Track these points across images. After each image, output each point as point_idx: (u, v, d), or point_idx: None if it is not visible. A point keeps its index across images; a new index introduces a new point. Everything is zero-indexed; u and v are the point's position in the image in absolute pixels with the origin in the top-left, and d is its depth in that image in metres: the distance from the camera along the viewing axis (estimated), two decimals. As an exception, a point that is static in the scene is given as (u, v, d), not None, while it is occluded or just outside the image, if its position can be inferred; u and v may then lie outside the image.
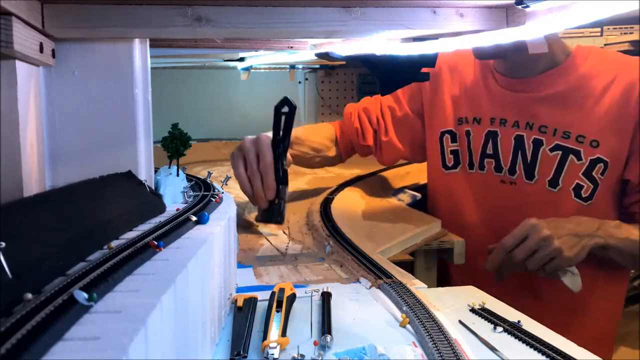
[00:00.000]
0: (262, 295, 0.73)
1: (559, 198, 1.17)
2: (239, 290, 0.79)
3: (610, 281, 1.23)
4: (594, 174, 1.13)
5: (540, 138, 1.17)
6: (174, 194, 0.76)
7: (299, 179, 1.71)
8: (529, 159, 1.19)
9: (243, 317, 0.67)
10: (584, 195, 1.15)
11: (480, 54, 1.19)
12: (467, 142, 1.28)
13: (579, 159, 1.14)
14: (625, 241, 1.05)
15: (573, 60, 1.17)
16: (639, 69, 1.12)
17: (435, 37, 0.85)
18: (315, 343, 0.61)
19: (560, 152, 1.15)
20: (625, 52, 1.78)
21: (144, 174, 0.74)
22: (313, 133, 1.43)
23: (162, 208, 0.70)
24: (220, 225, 0.64)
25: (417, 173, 1.66)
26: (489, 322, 0.69)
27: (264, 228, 1.18)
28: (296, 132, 1.30)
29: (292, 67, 2.31)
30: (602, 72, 1.15)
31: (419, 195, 1.45)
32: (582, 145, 1.13)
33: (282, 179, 1.03)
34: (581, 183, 1.14)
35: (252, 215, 1.15)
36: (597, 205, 1.15)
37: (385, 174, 1.66)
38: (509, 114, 1.21)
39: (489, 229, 1.25)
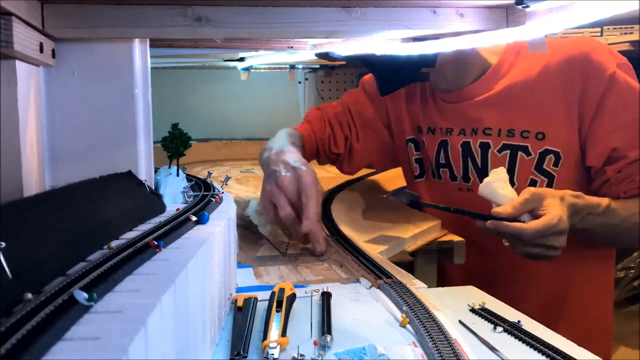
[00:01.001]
0: (262, 295, 0.73)
1: None
2: (239, 290, 0.79)
3: (595, 269, 1.21)
4: (545, 167, 1.11)
5: (487, 141, 1.16)
6: (174, 194, 0.76)
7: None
8: (479, 164, 1.18)
9: (243, 317, 0.67)
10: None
11: (384, 90, 1.22)
12: (425, 152, 1.28)
13: (528, 154, 1.12)
14: (600, 224, 1.02)
15: (504, 59, 1.16)
16: (569, 49, 1.09)
17: (435, 37, 0.85)
18: (315, 343, 0.61)
19: (508, 151, 1.14)
20: (625, 52, 1.78)
21: (144, 174, 0.74)
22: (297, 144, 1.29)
23: (162, 208, 0.70)
24: (220, 225, 0.64)
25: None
26: (489, 322, 0.69)
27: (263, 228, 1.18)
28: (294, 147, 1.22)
29: (292, 67, 2.31)
30: (534, 62, 1.13)
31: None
32: (527, 140, 1.12)
33: None
34: (535, 178, 1.12)
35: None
36: None
37: (384, 174, 1.66)
38: (454, 123, 1.21)
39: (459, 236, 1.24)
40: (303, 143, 1.30)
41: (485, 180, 0.97)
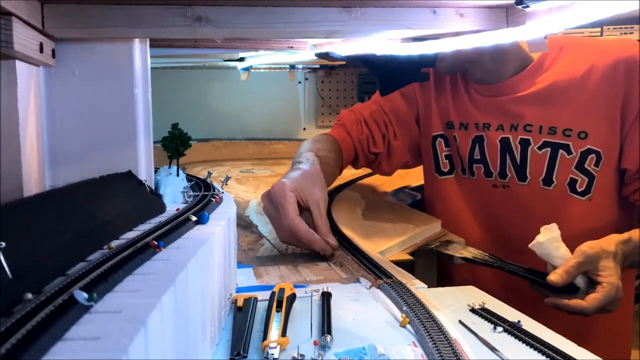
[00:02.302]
0: (262, 295, 0.73)
1: (555, 196, 1.15)
2: (239, 290, 0.79)
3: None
4: (586, 166, 1.11)
5: (527, 137, 1.15)
6: (174, 194, 0.76)
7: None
8: (518, 160, 1.17)
9: (243, 317, 0.67)
10: (579, 190, 1.13)
11: (446, 70, 1.19)
12: (456, 148, 1.26)
13: (569, 152, 1.12)
14: None
15: (546, 54, 1.14)
16: (617, 51, 1.10)
17: (435, 37, 0.85)
18: (315, 343, 0.61)
19: (549, 149, 1.13)
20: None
21: (144, 174, 0.74)
22: (323, 148, 1.27)
23: (162, 208, 0.70)
24: (220, 225, 0.64)
25: (417, 173, 1.66)
26: (489, 322, 0.69)
27: (263, 228, 1.18)
28: (312, 150, 1.23)
29: (292, 67, 2.31)
30: (579, 61, 1.12)
31: (419, 195, 1.45)
32: (570, 138, 1.11)
33: None
34: (575, 177, 1.12)
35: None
36: (597, 198, 1.13)
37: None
38: (492, 118, 1.20)
39: (487, 235, 1.24)
40: (337, 147, 1.28)
41: (538, 239, 0.94)
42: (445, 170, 1.30)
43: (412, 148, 1.36)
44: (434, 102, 1.29)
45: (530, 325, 0.68)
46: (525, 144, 1.16)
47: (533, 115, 1.14)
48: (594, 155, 1.10)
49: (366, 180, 1.58)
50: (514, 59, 1.16)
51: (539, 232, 0.95)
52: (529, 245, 0.95)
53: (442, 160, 1.30)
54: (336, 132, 1.33)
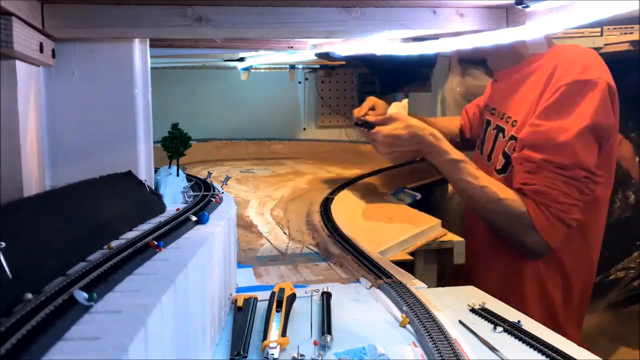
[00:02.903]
0: (262, 295, 0.73)
1: (490, 170, 1.31)
2: (239, 290, 0.79)
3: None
4: (506, 149, 1.27)
5: (489, 119, 1.37)
6: (174, 194, 0.76)
7: (298, 179, 1.71)
8: (484, 138, 1.38)
9: (243, 317, 0.67)
10: (498, 168, 1.30)
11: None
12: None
13: (504, 136, 1.30)
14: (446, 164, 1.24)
15: (540, 57, 1.27)
16: (556, 57, 1.22)
17: (435, 37, 0.85)
18: (315, 343, 0.61)
19: (495, 130, 1.33)
20: (625, 52, 1.78)
21: (144, 174, 0.74)
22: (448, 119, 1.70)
23: (162, 208, 0.70)
24: (220, 225, 0.64)
25: (417, 173, 1.66)
26: (489, 322, 0.69)
27: (263, 227, 1.18)
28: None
29: (292, 67, 2.31)
30: (548, 63, 1.23)
31: (418, 195, 1.45)
32: (507, 124, 1.29)
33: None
34: (501, 158, 1.29)
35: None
36: (511, 178, 1.26)
37: (385, 174, 1.66)
38: (490, 101, 1.41)
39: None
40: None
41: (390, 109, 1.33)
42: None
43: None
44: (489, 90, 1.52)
45: (530, 325, 0.68)
46: (487, 124, 1.38)
47: (498, 102, 1.35)
48: (514, 141, 1.25)
49: (366, 180, 1.58)
50: (513, 56, 1.30)
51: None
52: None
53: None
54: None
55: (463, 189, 1.23)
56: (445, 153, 1.24)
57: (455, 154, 1.24)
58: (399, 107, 1.33)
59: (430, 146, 1.25)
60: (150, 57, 0.76)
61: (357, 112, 1.41)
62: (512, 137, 1.25)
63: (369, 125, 1.32)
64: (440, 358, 0.55)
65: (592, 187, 1.15)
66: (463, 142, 1.61)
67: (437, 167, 1.30)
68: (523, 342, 0.63)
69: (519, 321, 0.68)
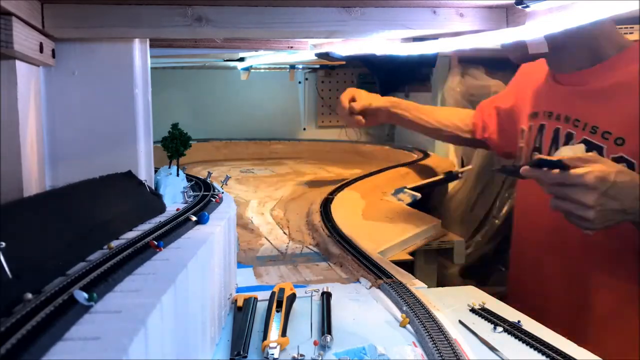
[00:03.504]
0: (262, 295, 0.73)
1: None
2: (239, 290, 0.79)
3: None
4: None
5: (572, 132, 1.11)
6: (174, 194, 0.76)
7: (298, 179, 1.71)
8: (555, 151, 1.13)
9: (243, 317, 0.67)
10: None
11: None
12: (527, 136, 1.24)
13: (601, 155, 1.03)
14: None
15: (623, 56, 1.09)
16: None
17: (435, 37, 0.85)
18: (315, 343, 0.61)
19: (586, 147, 1.07)
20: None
21: (144, 174, 0.74)
22: (444, 112, 1.56)
23: (162, 208, 0.70)
24: (220, 225, 0.64)
25: (417, 173, 1.66)
26: (489, 322, 0.69)
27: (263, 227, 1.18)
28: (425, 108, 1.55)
29: (292, 67, 2.31)
30: None
31: (418, 195, 1.45)
32: (606, 142, 1.05)
33: None
34: None
35: None
36: None
37: (385, 174, 1.66)
38: (554, 106, 1.16)
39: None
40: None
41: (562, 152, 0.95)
42: (520, 163, 1.25)
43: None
44: (532, 88, 1.27)
45: (530, 325, 0.68)
46: (569, 137, 1.12)
47: (583, 111, 1.10)
48: (625, 164, 1.01)
49: (366, 180, 1.58)
50: (587, 53, 1.11)
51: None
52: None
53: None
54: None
55: None
56: None
57: None
58: (577, 152, 0.95)
59: None
60: (150, 57, 0.76)
61: (343, 103, 1.40)
62: (621, 160, 1.02)
63: (562, 166, 0.87)
64: (440, 358, 0.55)
65: None
66: (471, 141, 1.49)
67: None
68: (523, 342, 0.63)
69: (519, 321, 0.68)
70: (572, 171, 0.86)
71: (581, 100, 1.11)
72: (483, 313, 0.71)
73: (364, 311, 0.72)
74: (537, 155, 0.99)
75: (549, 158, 0.89)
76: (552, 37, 1.01)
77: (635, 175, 0.89)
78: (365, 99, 1.47)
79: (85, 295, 0.37)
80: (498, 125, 1.38)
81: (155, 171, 0.79)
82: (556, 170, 0.88)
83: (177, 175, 0.78)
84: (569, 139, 1.11)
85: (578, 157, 0.89)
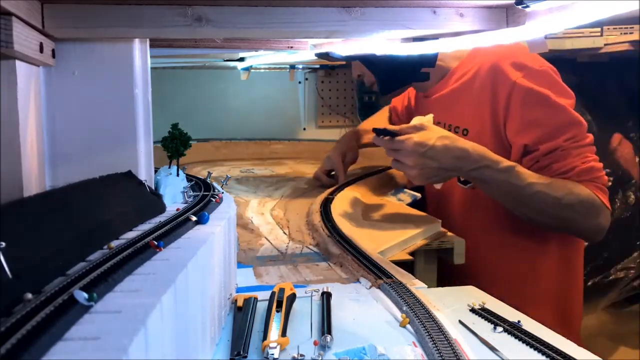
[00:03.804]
0: (262, 295, 0.73)
1: (450, 184, 1.30)
2: (239, 290, 0.79)
3: (555, 253, 1.29)
4: None
5: None
6: (174, 194, 0.76)
7: (298, 179, 1.71)
8: None
9: (243, 317, 0.67)
10: (461, 179, 1.29)
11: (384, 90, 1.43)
12: None
13: None
14: (504, 185, 1.12)
15: (459, 66, 1.32)
16: (493, 56, 1.22)
17: (435, 37, 0.85)
18: (315, 343, 0.61)
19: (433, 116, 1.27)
20: (625, 52, 1.78)
21: (144, 174, 0.74)
22: (378, 120, 1.73)
23: (162, 208, 0.70)
24: (220, 225, 0.64)
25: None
26: (489, 322, 0.69)
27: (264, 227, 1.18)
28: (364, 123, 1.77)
29: (292, 67, 2.31)
30: (473, 67, 1.28)
31: (418, 195, 1.45)
32: (457, 134, 1.22)
33: None
34: None
35: None
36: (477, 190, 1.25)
37: (385, 174, 1.66)
38: (426, 113, 1.35)
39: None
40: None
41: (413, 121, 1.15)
42: None
43: None
44: (415, 101, 1.55)
45: (530, 325, 0.68)
46: None
47: (439, 114, 1.30)
48: None
49: (366, 180, 1.58)
50: (437, 72, 1.35)
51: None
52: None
53: None
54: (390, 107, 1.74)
55: (533, 194, 1.10)
56: (498, 162, 1.10)
57: (504, 160, 1.12)
58: (422, 121, 1.14)
59: (479, 159, 1.09)
60: (150, 57, 0.76)
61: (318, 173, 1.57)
62: None
63: (392, 133, 1.10)
64: (440, 358, 0.55)
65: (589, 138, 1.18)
66: None
67: (482, 185, 1.16)
68: (523, 342, 0.63)
69: (519, 321, 0.68)
70: (397, 138, 1.09)
71: (438, 106, 1.35)
72: (483, 313, 0.71)
73: (364, 311, 0.72)
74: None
75: (383, 128, 1.13)
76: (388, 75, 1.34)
77: (456, 139, 1.10)
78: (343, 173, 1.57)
79: (85, 295, 0.37)
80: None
81: (155, 171, 0.79)
82: (386, 138, 1.11)
83: (177, 175, 0.78)
84: None
85: (412, 125, 1.11)
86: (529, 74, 1.17)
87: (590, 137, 1.17)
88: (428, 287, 0.82)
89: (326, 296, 0.73)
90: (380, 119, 1.73)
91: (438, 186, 1.20)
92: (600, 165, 1.16)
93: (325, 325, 0.65)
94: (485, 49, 1.24)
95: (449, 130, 1.27)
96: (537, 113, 1.16)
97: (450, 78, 1.34)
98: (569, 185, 1.12)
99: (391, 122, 1.72)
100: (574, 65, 1.91)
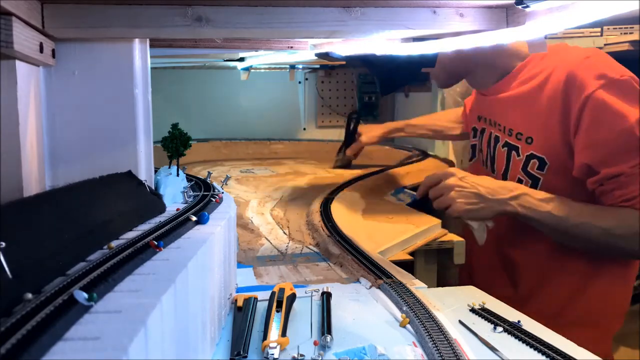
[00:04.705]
0: (262, 295, 0.73)
1: None
2: (239, 290, 0.79)
3: (610, 274, 1.22)
4: (529, 169, 1.18)
5: (498, 135, 1.28)
6: (174, 194, 0.76)
7: (299, 179, 1.71)
8: (492, 153, 1.30)
9: (243, 317, 0.67)
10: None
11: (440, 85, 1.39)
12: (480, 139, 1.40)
13: (518, 155, 1.21)
14: (546, 215, 1.08)
15: (526, 63, 1.23)
16: (568, 64, 1.12)
17: (435, 37, 0.85)
18: (315, 343, 0.61)
19: (507, 149, 1.24)
20: (625, 52, 1.78)
21: (144, 174, 0.74)
22: (433, 118, 1.78)
23: (162, 208, 0.70)
24: (220, 225, 0.64)
25: (417, 173, 1.66)
26: (489, 322, 0.69)
27: (264, 227, 1.18)
28: (415, 120, 1.79)
29: (292, 67, 2.31)
30: (542, 70, 1.19)
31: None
32: (520, 142, 1.20)
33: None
34: (521, 178, 1.19)
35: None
36: None
37: (385, 174, 1.66)
38: (488, 114, 1.33)
39: None
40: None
41: None
42: (469, 157, 1.45)
43: None
44: (474, 98, 1.47)
45: (530, 325, 0.68)
46: (496, 140, 1.28)
47: (502, 117, 1.26)
48: (536, 160, 1.17)
49: (366, 180, 1.58)
50: (496, 69, 1.27)
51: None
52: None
53: (469, 148, 1.46)
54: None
55: (578, 224, 1.07)
56: (537, 192, 1.10)
57: (544, 192, 1.10)
58: None
59: (515, 187, 1.11)
60: (150, 57, 0.76)
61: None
62: (532, 156, 1.17)
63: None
64: (440, 358, 0.55)
65: None
66: (460, 136, 1.67)
67: (524, 218, 1.11)
68: (523, 342, 0.63)
69: (519, 321, 0.68)
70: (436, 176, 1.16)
71: (499, 107, 1.28)
72: (483, 313, 0.71)
73: (364, 311, 0.72)
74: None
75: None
76: (456, 66, 1.28)
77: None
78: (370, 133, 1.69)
79: (85, 295, 0.37)
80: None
81: (155, 171, 0.79)
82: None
83: (177, 175, 0.78)
84: (496, 143, 1.29)
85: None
86: (608, 84, 1.06)
87: None
88: (428, 287, 0.82)
89: (326, 296, 0.73)
90: (452, 112, 1.77)
91: (481, 241, 1.14)
92: None
93: (325, 325, 0.65)
94: (558, 49, 1.20)
95: (511, 135, 1.23)
96: (606, 132, 1.06)
97: (513, 79, 1.24)
98: (622, 214, 1.06)
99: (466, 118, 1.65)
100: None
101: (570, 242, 1.14)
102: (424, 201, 1.37)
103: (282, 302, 0.69)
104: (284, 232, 1.16)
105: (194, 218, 0.64)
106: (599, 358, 0.60)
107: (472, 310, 0.72)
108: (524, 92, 1.21)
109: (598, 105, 1.05)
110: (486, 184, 1.12)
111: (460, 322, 0.68)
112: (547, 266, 1.22)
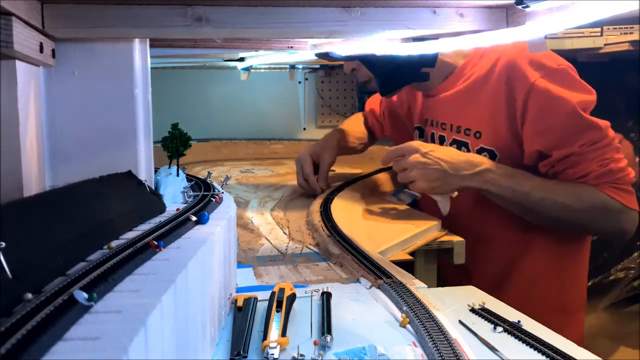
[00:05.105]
0: (262, 295, 0.73)
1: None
2: (239, 290, 0.79)
3: (565, 247, 1.28)
4: None
5: (443, 134, 1.31)
6: (174, 194, 0.76)
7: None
8: None
9: (243, 317, 0.67)
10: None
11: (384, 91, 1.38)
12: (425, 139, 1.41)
13: (468, 150, 1.23)
14: (508, 190, 1.12)
15: (468, 61, 1.26)
16: (506, 56, 1.16)
17: (435, 37, 0.85)
18: (315, 343, 0.61)
19: (455, 146, 1.26)
20: (625, 52, 1.78)
21: (144, 174, 0.74)
22: (354, 124, 1.72)
23: (162, 208, 0.70)
24: (220, 225, 0.64)
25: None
26: (489, 322, 0.69)
27: (264, 227, 1.18)
28: (343, 126, 1.69)
29: (292, 67, 2.31)
30: (485, 65, 1.22)
31: (419, 195, 1.45)
32: (469, 137, 1.23)
33: None
34: None
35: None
36: None
37: (385, 174, 1.66)
38: (431, 115, 1.36)
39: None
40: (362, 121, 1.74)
41: None
42: None
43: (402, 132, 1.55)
44: (414, 100, 1.47)
45: (530, 325, 0.68)
46: (442, 139, 1.31)
47: (446, 115, 1.30)
48: (486, 153, 1.20)
49: (366, 180, 1.58)
50: (441, 70, 1.29)
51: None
52: None
53: None
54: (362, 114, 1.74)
55: (539, 201, 1.11)
56: (500, 167, 1.13)
57: (507, 167, 1.14)
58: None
59: (479, 162, 1.13)
60: (150, 57, 0.76)
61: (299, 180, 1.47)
62: (482, 150, 1.20)
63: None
64: (440, 358, 0.55)
65: (616, 139, 1.14)
66: (370, 143, 1.70)
67: (487, 193, 1.15)
68: (523, 342, 0.63)
69: (519, 321, 0.68)
70: (400, 145, 1.18)
71: (445, 106, 1.30)
72: (483, 313, 0.71)
73: (364, 311, 0.72)
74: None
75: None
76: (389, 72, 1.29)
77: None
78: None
79: (85, 295, 0.37)
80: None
81: (155, 171, 0.79)
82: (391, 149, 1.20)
83: (177, 175, 0.78)
84: (442, 142, 1.31)
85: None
86: (548, 73, 1.12)
87: (610, 138, 1.12)
88: (428, 287, 0.82)
89: (326, 296, 0.73)
90: (355, 124, 1.71)
91: (445, 211, 1.18)
92: (622, 165, 1.13)
93: (325, 325, 0.65)
94: (491, 47, 1.21)
95: (459, 132, 1.25)
96: (553, 119, 1.11)
97: (458, 76, 1.28)
98: (579, 190, 1.11)
99: (367, 126, 1.69)
100: (574, 65, 1.90)
101: (534, 218, 1.17)
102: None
103: (282, 302, 0.69)
104: (284, 232, 1.16)
105: (194, 218, 0.64)
106: (599, 358, 0.60)
107: (472, 310, 0.72)
108: (468, 86, 1.25)
109: (541, 94, 1.11)
110: (449, 159, 1.13)
111: (460, 322, 0.68)
112: (516, 243, 1.26)
